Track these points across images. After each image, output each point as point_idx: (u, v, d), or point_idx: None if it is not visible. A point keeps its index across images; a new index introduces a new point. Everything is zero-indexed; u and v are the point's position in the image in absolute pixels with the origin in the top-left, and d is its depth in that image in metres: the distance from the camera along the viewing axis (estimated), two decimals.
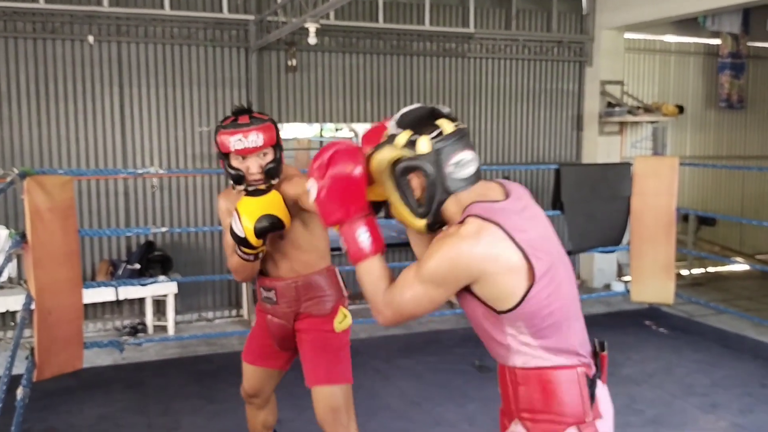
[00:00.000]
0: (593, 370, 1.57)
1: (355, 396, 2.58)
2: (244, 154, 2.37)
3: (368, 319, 5.61)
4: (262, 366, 2.73)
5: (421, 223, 1.59)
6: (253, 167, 2.39)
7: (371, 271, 1.60)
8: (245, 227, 2.29)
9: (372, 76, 6.27)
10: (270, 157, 2.42)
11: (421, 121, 1.55)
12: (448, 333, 5.40)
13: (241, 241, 2.34)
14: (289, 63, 5.88)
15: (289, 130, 6.23)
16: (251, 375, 2.75)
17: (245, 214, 2.29)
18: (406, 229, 1.68)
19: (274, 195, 2.33)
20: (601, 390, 1.60)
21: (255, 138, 2.35)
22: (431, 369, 4.59)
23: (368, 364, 4.59)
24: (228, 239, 2.46)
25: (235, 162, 2.40)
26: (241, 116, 2.39)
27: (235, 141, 2.35)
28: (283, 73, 5.96)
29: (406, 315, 1.57)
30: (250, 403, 2.84)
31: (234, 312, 5.97)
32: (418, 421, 3.77)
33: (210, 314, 5.90)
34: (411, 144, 1.53)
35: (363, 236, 1.61)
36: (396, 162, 1.56)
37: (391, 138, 1.57)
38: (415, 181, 1.56)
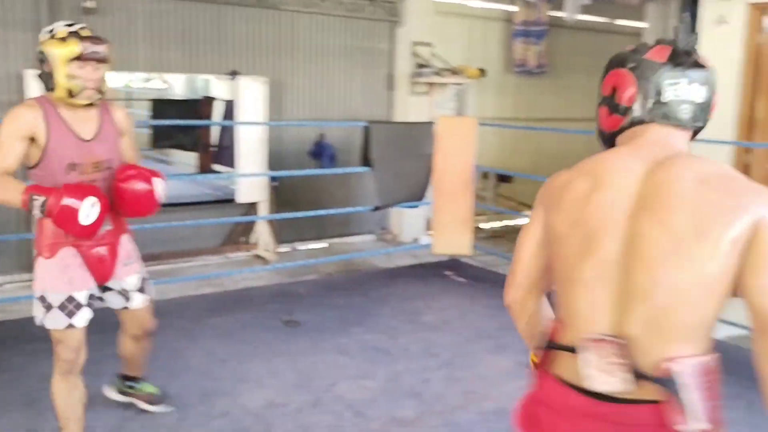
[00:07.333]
0: None
1: (157, 357, 2.53)
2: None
3: (176, 278, 5.50)
4: None
5: None
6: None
7: None
8: None
9: (181, 23, 5.97)
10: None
11: None
12: (260, 290, 5.42)
13: None
14: (86, 4, 5.44)
15: None
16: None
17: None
18: None
19: None
20: None
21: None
22: (241, 326, 4.59)
23: (175, 324, 4.47)
24: None
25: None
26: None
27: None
28: (80, 15, 5.48)
29: None
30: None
31: (26, 276, 5.52)
32: (221, 379, 3.77)
33: None
34: None
35: None
36: None
37: None
38: None
